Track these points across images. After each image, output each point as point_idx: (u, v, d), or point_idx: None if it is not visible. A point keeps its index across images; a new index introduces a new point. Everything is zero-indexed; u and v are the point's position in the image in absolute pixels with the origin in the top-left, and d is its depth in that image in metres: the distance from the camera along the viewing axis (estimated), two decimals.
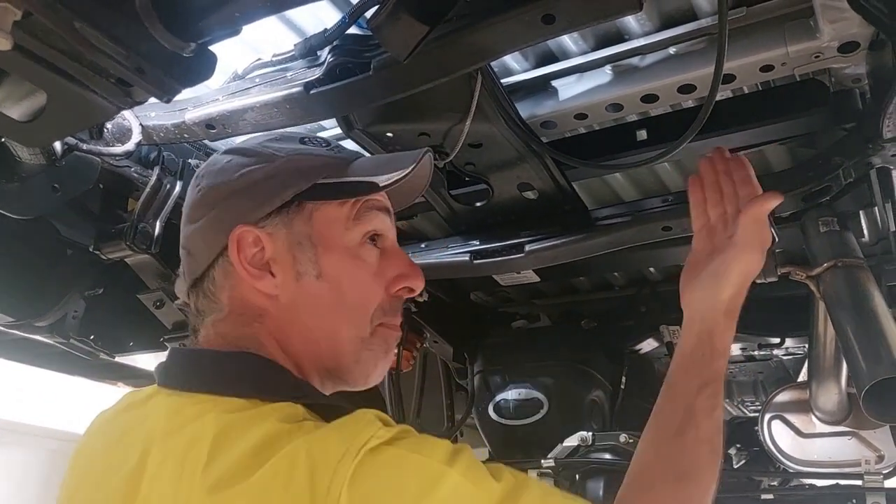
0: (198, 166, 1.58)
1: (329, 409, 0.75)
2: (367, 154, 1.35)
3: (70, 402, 6.74)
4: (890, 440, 1.77)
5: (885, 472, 1.67)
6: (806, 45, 1.20)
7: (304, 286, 0.86)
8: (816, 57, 1.22)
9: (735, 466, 2.48)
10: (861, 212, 1.56)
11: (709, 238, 1.10)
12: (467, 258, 1.61)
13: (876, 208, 1.54)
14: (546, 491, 0.78)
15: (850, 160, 1.28)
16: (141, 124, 1.38)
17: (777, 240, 1.39)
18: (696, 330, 0.99)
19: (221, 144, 1.65)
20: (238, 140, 1.64)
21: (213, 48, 0.87)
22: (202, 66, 0.80)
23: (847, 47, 1.19)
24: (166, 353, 0.93)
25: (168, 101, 0.78)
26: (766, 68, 1.26)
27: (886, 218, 1.55)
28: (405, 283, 0.93)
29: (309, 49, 1.21)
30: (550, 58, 1.42)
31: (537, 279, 1.86)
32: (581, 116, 1.43)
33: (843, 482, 1.68)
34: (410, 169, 0.91)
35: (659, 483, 0.88)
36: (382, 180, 0.90)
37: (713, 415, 0.92)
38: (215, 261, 0.86)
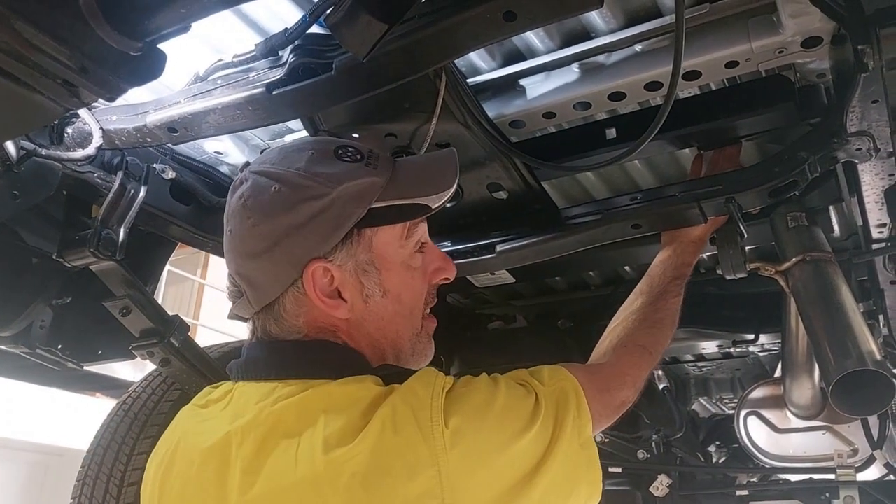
0: (163, 171, 1.55)
1: (398, 376, 0.90)
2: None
3: (48, 414, 6.64)
4: (863, 434, 1.78)
5: (857, 465, 1.68)
6: (769, 40, 1.21)
7: (371, 305, 0.97)
8: (780, 52, 1.23)
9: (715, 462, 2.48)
10: (830, 207, 1.57)
11: None
12: None
13: (845, 204, 1.55)
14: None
15: (815, 155, 1.29)
16: (101, 128, 1.35)
17: (745, 236, 1.40)
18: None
19: (186, 148, 1.62)
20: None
21: (172, 47, 0.86)
22: (151, 65, 0.78)
23: (810, 42, 1.20)
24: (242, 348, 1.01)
25: (111, 100, 0.76)
26: (731, 64, 1.26)
27: (854, 213, 1.56)
28: (444, 275, 1.07)
29: (270, 49, 1.19)
30: (518, 56, 1.42)
31: (512, 280, 1.85)
32: (549, 115, 1.43)
33: (816, 476, 1.68)
34: (455, 185, 0.99)
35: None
36: (432, 202, 0.98)
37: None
38: (286, 291, 0.94)
